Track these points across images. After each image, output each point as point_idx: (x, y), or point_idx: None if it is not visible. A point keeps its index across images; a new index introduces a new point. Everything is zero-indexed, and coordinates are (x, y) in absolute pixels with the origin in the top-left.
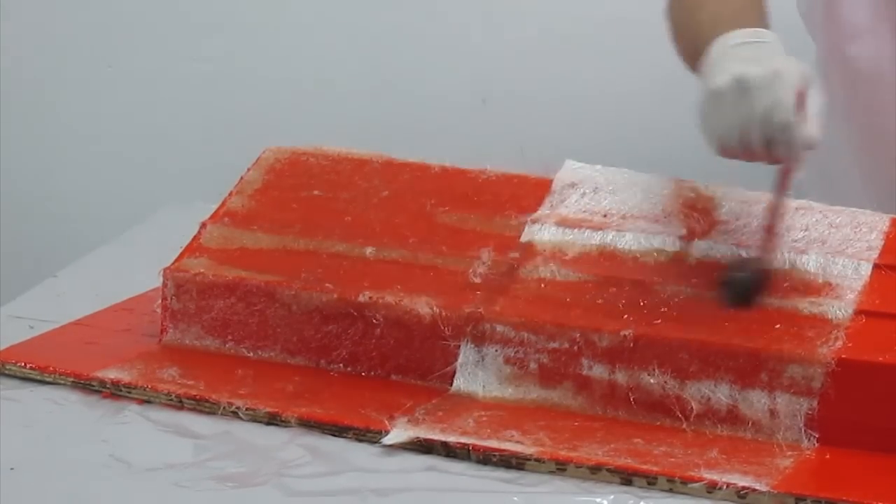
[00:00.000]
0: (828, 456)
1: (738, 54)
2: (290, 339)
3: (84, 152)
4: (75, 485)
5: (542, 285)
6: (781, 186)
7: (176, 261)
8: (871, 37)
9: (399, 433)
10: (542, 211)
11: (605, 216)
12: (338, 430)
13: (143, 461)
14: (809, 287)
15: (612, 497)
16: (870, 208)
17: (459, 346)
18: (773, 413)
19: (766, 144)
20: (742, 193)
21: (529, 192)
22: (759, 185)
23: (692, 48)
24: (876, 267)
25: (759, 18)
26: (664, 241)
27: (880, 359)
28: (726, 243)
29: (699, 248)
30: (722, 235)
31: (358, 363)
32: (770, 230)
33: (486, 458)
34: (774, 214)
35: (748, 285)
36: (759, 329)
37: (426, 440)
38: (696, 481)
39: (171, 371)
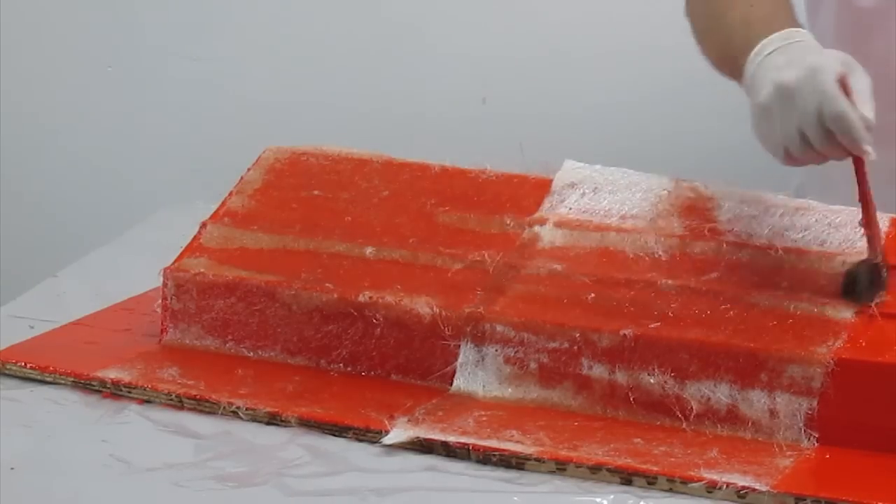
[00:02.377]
0: (828, 456)
1: (773, 63)
2: (290, 339)
3: (84, 152)
4: (75, 485)
5: (542, 285)
6: (861, 178)
7: (176, 261)
8: (883, 28)
9: (399, 433)
10: (542, 211)
11: (605, 216)
12: (338, 430)
13: (143, 461)
14: (809, 287)
15: (612, 497)
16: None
17: (459, 346)
18: (773, 413)
19: (826, 140)
20: (742, 193)
21: (529, 192)
22: (759, 185)
23: (723, 53)
24: None
25: (787, 17)
26: (664, 240)
27: (880, 359)
28: (725, 243)
29: (699, 247)
30: (722, 235)
31: (358, 363)
32: (868, 225)
33: (486, 458)
34: (865, 209)
35: (864, 283)
36: (759, 329)
37: (426, 440)
38: (696, 481)
39: (171, 371)
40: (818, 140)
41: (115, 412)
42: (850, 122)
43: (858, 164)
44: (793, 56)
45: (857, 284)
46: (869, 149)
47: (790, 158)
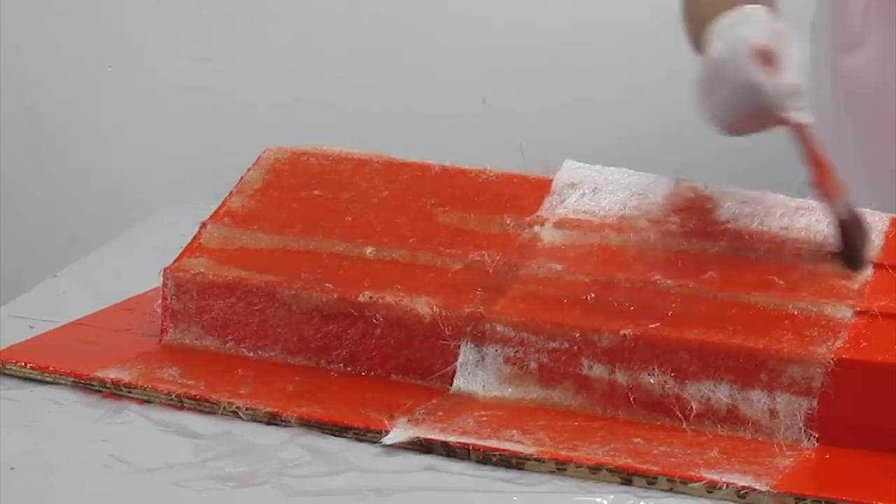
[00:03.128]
0: (828, 456)
1: (718, 37)
2: (290, 339)
3: (84, 152)
4: (75, 485)
5: (542, 285)
6: (804, 146)
7: (176, 261)
8: (875, 41)
9: (399, 433)
10: (542, 211)
11: (605, 216)
12: (338, 430)
13: (143, 461)
14: (809, 287)
15: (612, 497)
16: (871, 207)
17: (459, 345)
18: (772, 413)
19: (755, 111)
20: (742, 193)
21: (529, 192)
22: (758, 185)
23: (694, 34)
24: (876, 267)
25: None
26: (664, 240)
27: (880, 359)
28: (725, 243)
29: (699, 247)
30: (722, 235)
31: (358, 363)
32: (822, 186)
33: (486, 458)
34: (818, 172)
35: (854, 244)
36: (759, 329)
37: (426, 440)
38: (696, 481)
39: (172, 371)
40: (746, 111)
41: (115, 412)
42: (768, 93)
43: (796, 129)
44: (727, 32)
45: (853, 248)
46: (796, 115)
47: (732, 130)
